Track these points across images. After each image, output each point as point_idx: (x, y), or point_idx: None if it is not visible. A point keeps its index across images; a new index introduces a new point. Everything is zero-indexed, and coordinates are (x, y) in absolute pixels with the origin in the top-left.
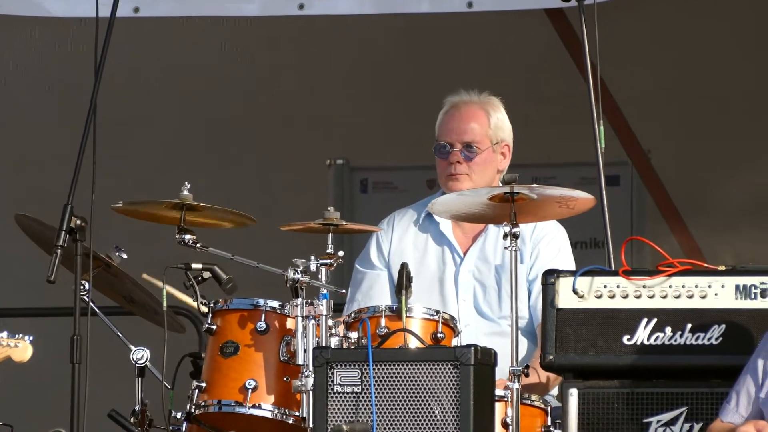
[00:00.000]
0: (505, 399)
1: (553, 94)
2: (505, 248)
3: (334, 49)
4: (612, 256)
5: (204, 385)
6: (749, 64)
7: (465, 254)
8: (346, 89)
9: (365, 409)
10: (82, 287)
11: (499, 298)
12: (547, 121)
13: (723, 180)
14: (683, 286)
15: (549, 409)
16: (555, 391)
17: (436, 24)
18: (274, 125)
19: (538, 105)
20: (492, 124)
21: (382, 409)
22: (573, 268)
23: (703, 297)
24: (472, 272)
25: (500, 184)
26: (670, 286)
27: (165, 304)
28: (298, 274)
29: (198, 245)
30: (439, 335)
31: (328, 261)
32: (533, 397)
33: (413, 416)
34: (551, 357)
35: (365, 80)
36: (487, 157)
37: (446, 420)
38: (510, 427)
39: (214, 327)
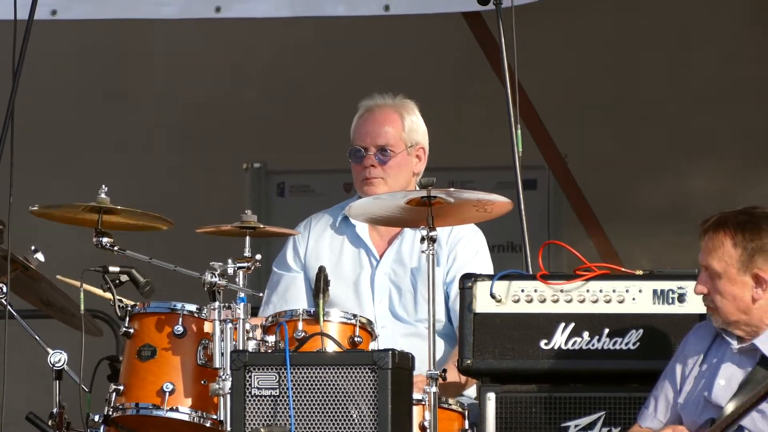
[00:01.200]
0: (423, 402)
1: (470, 98)
2: (422, 252)
3: (251, 53)
4: (529, 260)
5: (122, 388)
6: (668, 68)
7: (381, 257)
8: (263, 93)
9: (283, 412)
10: (0, 289)
11: (415, 301)
12: (465, 125)
13: (640, 184)
14: (601, 291)
15: (466, 412)
16: (471, 391)
17: (353, 27)
18: (190, 128)
19: (455, 108)
20: (406, 127)
21: (300, 412)
22: (491, 271)
23: (621, 301)
24: (388, 275)
25: (417, 187)
26: (587, 291)
27: (82, 307)
28: (215, 277)
29: (116, 248)
30: (356, 339)
31: (245, 264)
32: (450, 401)
33: (331, 419)
34: (469, 361)
35: (282, 84)
36: (402, 161)
37: (364, 423)
38: (428, 430)
39: (132, 330)
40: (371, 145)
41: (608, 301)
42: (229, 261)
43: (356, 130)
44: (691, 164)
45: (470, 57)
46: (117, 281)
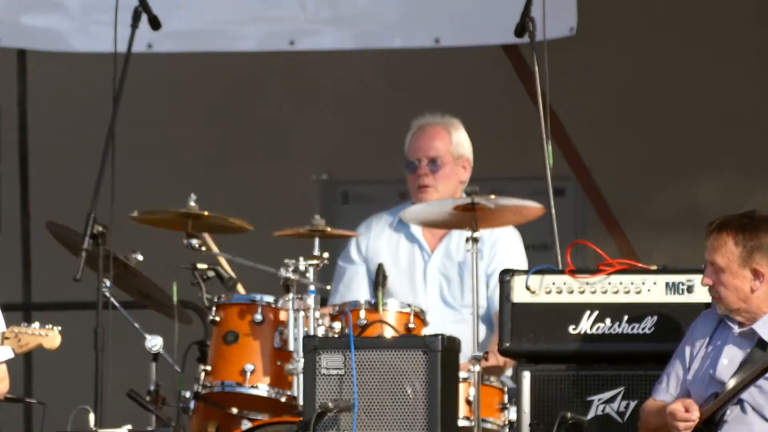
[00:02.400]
0: (468, 380)
1: (509, 118)
2: (467, 251)
3: (322, 80)
4: (560, 257)
5: (209, 368)
6: (681, 92)
7: (433, 252)
8: (330, 116)
9: (348, 389)
10: (103, 284)
11: (461, 290)
12: (504, 141)
13: (655, 193)
14: (621, 283)
15: (506, 388)
16: (509, 372)
17: (408, 57)
18: (267, 145)
19: (496, 127)
20: (453, 141)
21: (362, 389)
22: (526, 267)
23: (638, 292)
24: (438, 267)
25: (463, 195)
26: (609, 283)
27: (175, 298)
28: (289, 273)
29: (203, 248)
30: (410, 326)
31: (315, 262)
32: (492, 378)
33: (389, 395)
34: (507, 344)
35: (346, 108)
36: (450, 171)
37: (417, 399)
38: (472, 404)
39: (218, 319)
40: (424, 157)
41: (627, 293)
42: (301, 259)
43: (410, 145)
44: (699, 176)
45: (508, 83)
46: (205, 276)
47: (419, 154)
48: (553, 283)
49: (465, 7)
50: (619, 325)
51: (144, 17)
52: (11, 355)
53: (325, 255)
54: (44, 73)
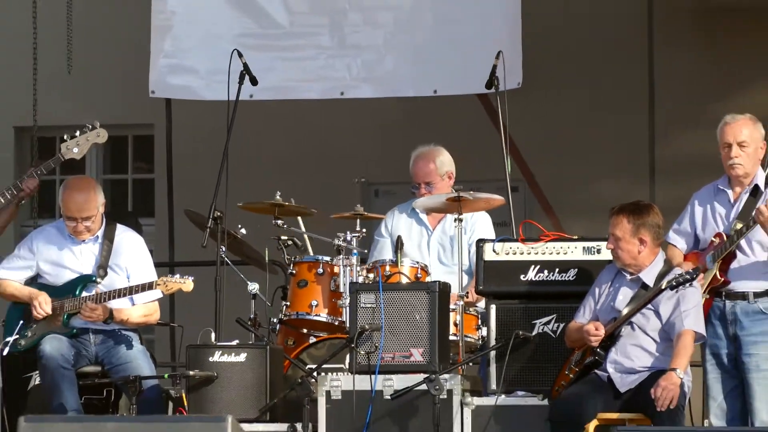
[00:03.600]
0: (455, 310)
1: (482, 141)
2: (455, 227)
3: (362, 116)
4: (515, 231)
5: (288, 303)
6: (590, 122)
7: (433, 230)
8: (368, 138)
9: (377, 317)
10: (220, 249)
11: (452, 253)
12: (478, 156)
13: (576, 190)
14: (554, 248)
15: (479, 316)
16: (481, 305)
17: (417, 100)
18: (327, 158)
19: (474, 147)
20: (438, 165)
21: (387, 317)
22: (493, 237)
23: (565, 254)
24: (437, 239)
25: (452, 191)
26: (546, 248)
27: (267, 258)
28: (340, 241)
29: (285, 226)
30: (418, 276)
31: (357, 235)
32: (470, 309)
33: (404, 321)
34: (481, 287)
35: (377, 131)
36: (440, 186)
37: (423, 322)
38: (458, 326)
39: (294, 271)
40: (421, 182)
41: (558, 254)
42: (348, 233)
43: (412, 171)
44: (603, 179)
45: (481, 118)
46: (286, 244)
47: (418, 179)
48: (511, 248)
49: (452, 69)
50: (552, 275)
51: (246, 77)
52: (161, 296)
53: (363, 231)
54: (182, 113)
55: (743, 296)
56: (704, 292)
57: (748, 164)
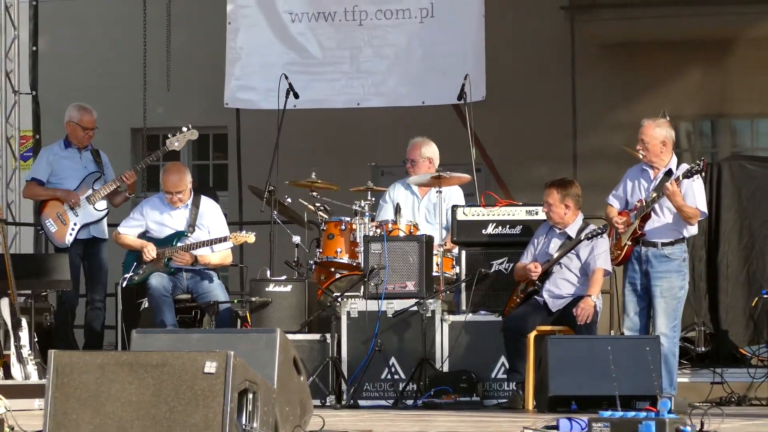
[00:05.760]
0: (437, 255)
1: (456, 137)
2: (437, 196)
3: (372, 118)
4: (478, 199)
5: (321, 250)
6: (536, 121)
7: (422, 198)
8: (379, 129)
9: (383, 259)
10: (273, 213)
11: (435, 215)
12: (454, 146)
13: (522, 172)
14: (506, 211)
15: (454, 259)
16: (456, 250)
17: (411, 108)
18: (350, 149)
19: (451, 140)
20: (423, 151)
21: (390, 259)
22: (464, 203)
23: (514, 215)
24: (425, 205)
25: (435, 171)
26: (501, 210)
27: (305, 219)
28: (357, 207)
29: (318, 196)
30: (412, 230)
31: (369, 202)
32: (447, 254)
33: (402, 262)
34: (455, 239)
35: (386, 128)
36: (420, 166)
37: (414, 263)
38: (439, 266)
39: (324, 228)
40: (410, 159)
41: (509, 215)
42: (362, 200)
43: (407, 152)
44: (542, 165)
45: (454, 121)
46: (319, 209)
47: (408, 157)
48: (476, 211)
49: (435, 87)
50: (505, 230)
51: (291, 93)
52: (232, 245)
53: (373, 199)
54: (247, 118)
55: (654, 245)
56: (627, 240)
57: (649, 154)
